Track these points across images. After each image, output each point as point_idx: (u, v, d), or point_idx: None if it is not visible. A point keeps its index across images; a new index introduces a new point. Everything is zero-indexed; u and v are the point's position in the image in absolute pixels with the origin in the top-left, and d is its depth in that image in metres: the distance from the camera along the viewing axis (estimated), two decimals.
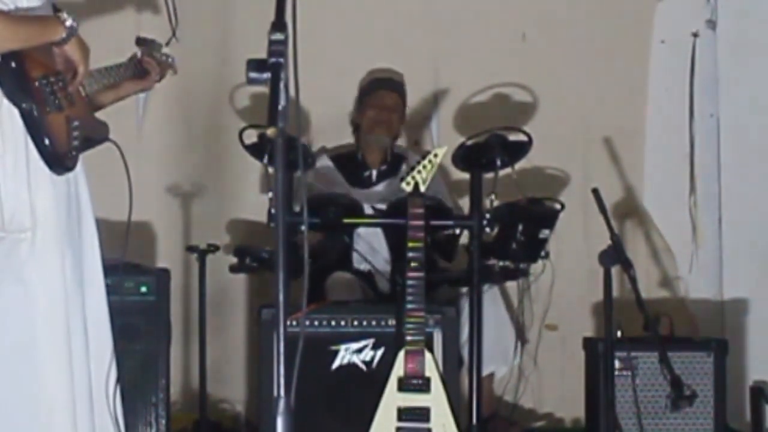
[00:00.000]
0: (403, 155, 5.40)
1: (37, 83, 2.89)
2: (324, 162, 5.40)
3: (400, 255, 4.73)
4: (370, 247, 5.10)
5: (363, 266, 5.08)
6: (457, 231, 4.92)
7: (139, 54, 3.49)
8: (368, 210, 4.95)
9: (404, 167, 5.22)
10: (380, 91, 5.41)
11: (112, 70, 3.26)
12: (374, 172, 5.36)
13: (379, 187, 5.31)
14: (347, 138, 5.54)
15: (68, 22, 2.95)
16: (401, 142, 5.64)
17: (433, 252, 5.01)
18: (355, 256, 5.07)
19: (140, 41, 3.53)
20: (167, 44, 5.61)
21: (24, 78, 2.87)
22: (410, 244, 4.12)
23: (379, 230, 5.10)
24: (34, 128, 2.88)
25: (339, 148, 5.56)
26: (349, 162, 5.39)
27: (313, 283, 4.89)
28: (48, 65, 2.95)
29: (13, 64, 2.85)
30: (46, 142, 2.89)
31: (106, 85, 3.23)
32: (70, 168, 2.98)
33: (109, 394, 3.05)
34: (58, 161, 2.92)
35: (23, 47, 2.87)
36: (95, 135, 3.11)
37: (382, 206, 4.92)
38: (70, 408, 2.89)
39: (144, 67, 3.45)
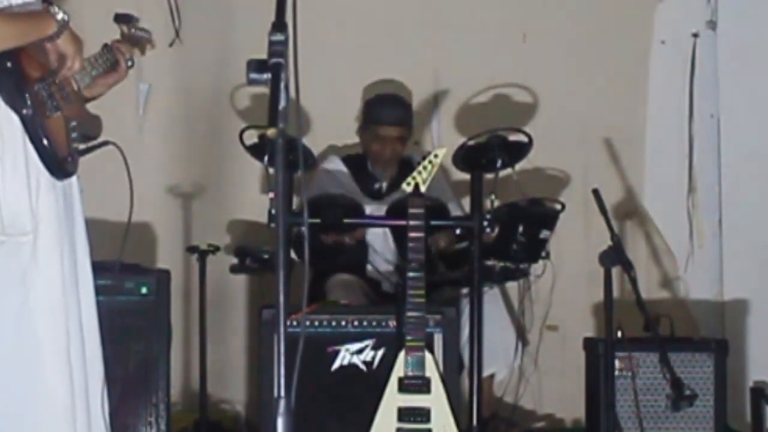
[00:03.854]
0: (410, 160, 5.31)
1: (36, 87, 2.86)
2: (336, 165, 5.35)
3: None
4: (373, 249, 5.10)
5: (369, 269, 5.09)
6: (458, 231, 4.90)
7: (111, 41, 3.25)
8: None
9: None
10: (383, 126, 5.19)
11: (98, 60, 3.14)
12: (384, 184, 5.30)
13: (391, 198, 5.26)
14: (348, 137, 5.52)
15: (59, 16, 2.89)
16: None
17: (439, 262, 5.04)
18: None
19: (119, 17, 3.31)
20: (171, 45, 5.67)
21: (23, 82, 2.84)
22: (410, 245, 4.12)
23: (387, 233, 5.09)
24: (35, 133, 2.84)
25: (348, 148, 5.52)
26: (360, 170, 5.34)
27: (315, 284, 4.90)
28: (44, 64, 2.92)
29: (10, 66, 2.82)
30: (48, 146, 2.86)
31: (96, 76, 3.17)
32: (71, 173, 2.96)
33: (98, 397, 3.05)
34: (59, 165, 2.90)
35: (18, 45, 2.84)
36: (91, 131, 3.07)
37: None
38: (70, 412, 2.89)
39: (115, 54, 3.21)
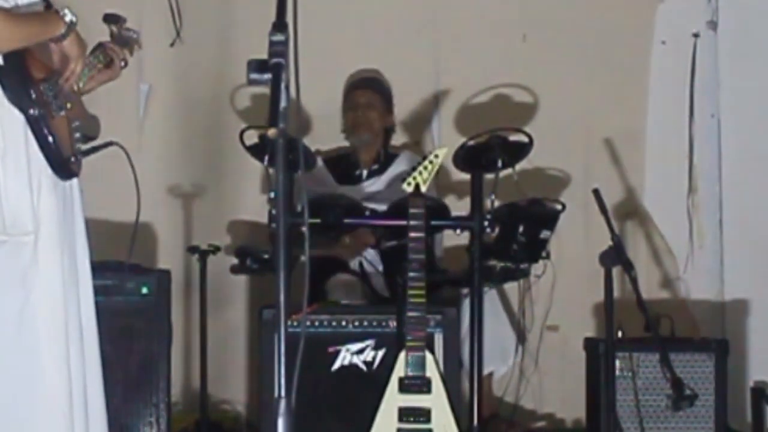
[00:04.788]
0: (395, 155, 5.40)
1: (41, 87, 2.87)
2: (317, 163, 5.39)
3: (390, 260, 4.77)
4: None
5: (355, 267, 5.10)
6: (458, 231, 4.90)
7: (105, 40, 3.25)
8: None
9: (392, 167, 5.25)
10: (354, 92, 5.42)
11: (94, 60, 3.15)
12: (365, 171, 5.36)
13: (366, 183, 5.30)
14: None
15: (68, 17, 2.91)
16: (400, 139, 5.64)
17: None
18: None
19: (109, 18, 3.30)
20: (172, 45, 5.68)
21: (29, 82, 2.84)
22: (410, 245, 4.12)
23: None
24: (41, 133, 2.85)
25: (333, 151, 5.55)
26: (340, 162, 5.40)
27: (314, 284, 4.90)
28: (48, 65, 2.93)
29: (16, 66, 2.82)
30: (53, 146, 2.87)
31: (92, 76, 3.17)
32: (75, 173, 2.97)
33: (97, 397, 3.05)
34: (64, 165, 2.90)
35: (25, 45, 2.85)
36: (90, 131, 3.08)
37: (374, 206, 4.90)
38: (68, 412, 2.89)
39: (109, 54, 3.22)
